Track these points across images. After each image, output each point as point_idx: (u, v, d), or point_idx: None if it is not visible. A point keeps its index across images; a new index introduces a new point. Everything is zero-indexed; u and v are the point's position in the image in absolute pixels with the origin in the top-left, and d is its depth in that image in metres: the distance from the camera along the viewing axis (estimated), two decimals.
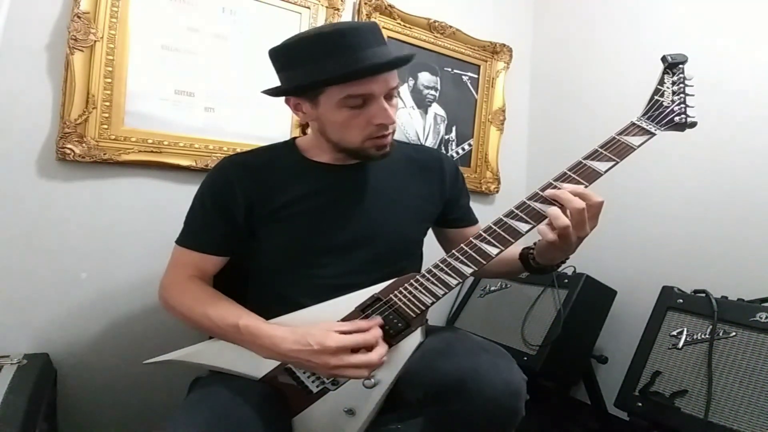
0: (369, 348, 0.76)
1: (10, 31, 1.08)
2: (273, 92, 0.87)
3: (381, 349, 0.76)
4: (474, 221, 1.11)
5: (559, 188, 0.78)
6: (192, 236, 0.93)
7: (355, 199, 0.93)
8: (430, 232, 1.08)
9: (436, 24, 1.73)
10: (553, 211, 0.75)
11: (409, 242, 1.00)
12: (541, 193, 0.80)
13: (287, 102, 0.90)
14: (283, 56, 0.84)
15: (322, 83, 0.81)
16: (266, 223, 0.91)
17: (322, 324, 0.79)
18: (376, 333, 0.77)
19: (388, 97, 0.84)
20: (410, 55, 0.85)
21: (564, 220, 0.74)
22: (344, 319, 0.82)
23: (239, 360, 0.83)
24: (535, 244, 0.91)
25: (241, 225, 0.92)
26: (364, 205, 0.93)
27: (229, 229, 0.92)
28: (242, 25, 1.37)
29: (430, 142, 1.77)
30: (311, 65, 0.80)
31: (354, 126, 0.84)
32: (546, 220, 0.77)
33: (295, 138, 1.02)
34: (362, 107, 0.82)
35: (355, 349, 0.76)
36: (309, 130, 0.99)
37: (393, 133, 0.88)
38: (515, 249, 0.87)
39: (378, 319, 0.80)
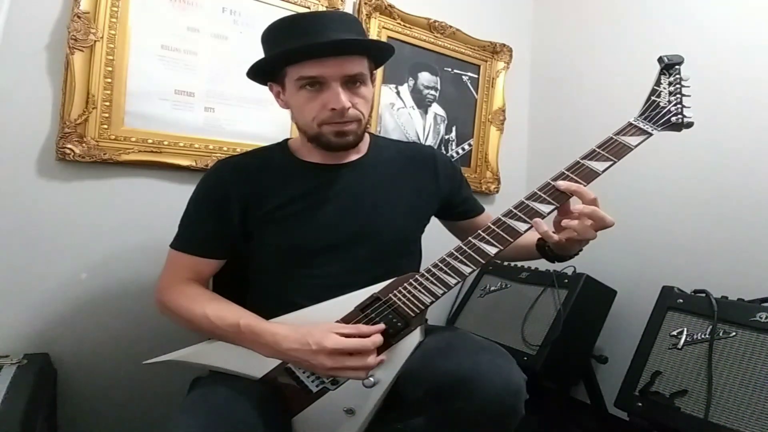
0: (365, 354, 0.75)
1: (10, 31, 1.08)
2: (249, 73, 0.90)
3: (379, 356, 0.77)
4: (480, 210, 1.13)
5: (560, 186, 0.81)
6: (187, 240, 0.93)
7: (348, 198, 0.93)
8: (433, 228, 1.08)
9: (436, 24, 1.73)
10: (578, 187, 0.79)
11: (405, 240, 1.00)
12: (538, 192, 0.82)
13: (270, 89, 0.93)
14: (262, 42, 0.87)
15: (274, 59, 0.85)
16: (261, 224, 0.91)
17: (324, 324, 0.79)
18: (376, 340, 0.76)
19: (350, 83, 0.85)
20: (363, 40, 0.86)
21: (590, 194, 0.78)
22: (343, 319, 0.82)
23: (239, 360, 0.83)
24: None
25: (236, 227, 0.92)
26: (358, 204, 0.93)
27: (224, 232, 0.92)
28: (242, 25, 1.38)
29: (430, 142, 1.77)
30: (273, 47, 0.85)
31: (310, 109, 0.86)
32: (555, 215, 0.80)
33: (287, 139, 1.02)
34: (319, 91, 0.84)
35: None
36: None
37: (358, 121, 0.87)
38: (532, 237, 0.90)
39: (380, 326, 0.79)
